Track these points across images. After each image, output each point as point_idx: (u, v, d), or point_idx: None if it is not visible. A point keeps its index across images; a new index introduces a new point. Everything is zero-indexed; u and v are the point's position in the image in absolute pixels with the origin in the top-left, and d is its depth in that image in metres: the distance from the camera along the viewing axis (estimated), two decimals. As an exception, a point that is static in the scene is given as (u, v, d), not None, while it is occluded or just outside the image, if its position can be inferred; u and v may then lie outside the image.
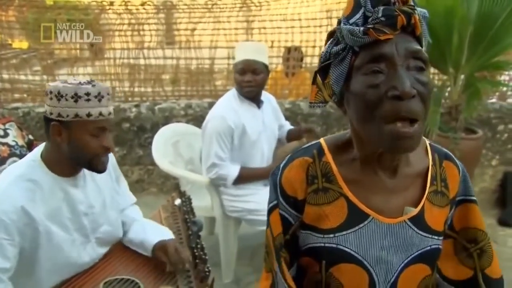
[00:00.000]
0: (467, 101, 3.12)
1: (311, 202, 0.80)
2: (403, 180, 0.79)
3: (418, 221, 0.79)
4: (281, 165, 0.83)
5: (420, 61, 0.69)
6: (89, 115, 1.22)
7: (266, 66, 2.25)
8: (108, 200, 1.42)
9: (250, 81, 2.20)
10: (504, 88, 3.77)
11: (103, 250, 1.43)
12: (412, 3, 0.69)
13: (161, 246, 1.44)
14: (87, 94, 1.21)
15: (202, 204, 2.37)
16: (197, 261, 1.47)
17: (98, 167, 1.30)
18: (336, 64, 0.73)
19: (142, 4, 3.79)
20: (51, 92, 1.22)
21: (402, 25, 0.67)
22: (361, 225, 0.77)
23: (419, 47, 0.69)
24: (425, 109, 0.68)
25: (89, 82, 1.25)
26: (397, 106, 0.66)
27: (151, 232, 1.49)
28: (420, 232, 0.79)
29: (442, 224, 0.82)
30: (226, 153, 2.22)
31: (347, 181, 0.79)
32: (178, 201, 1.83)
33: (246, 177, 2.25)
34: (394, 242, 0.78)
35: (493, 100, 3.80)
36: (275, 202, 0.82)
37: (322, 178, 0.79)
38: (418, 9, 0.70)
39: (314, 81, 0.79)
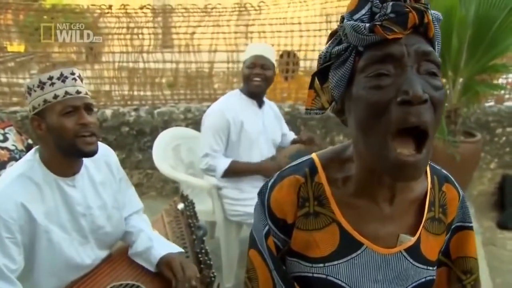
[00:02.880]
0: (466, 105, 3.13)
1: (301, 227, 0.72)
2: (400, 206, 0.72)
3: (414, 252, 0.73)
4: (269, 184, 0.75)
5: (433, 64, 0.61)
6: (55, 96, 1.24)
7: (273, 65, 2.30)
8: (109, 201, 1.41)
9: (260, 74, 2.23)
10: (502, 91, 3.79)
11: (103, 253, 1.42)
12: (425, 1, 0.61)
13: (166, 261, 1.38)
14: (50, 78, 1.24)
15: (203, 208, 2.36)
16: (202, 266, 1.46)
17: (84, 149, 1.26)
18: (337, 66, 0.65)
19: (141, 8, 3.79)
20: (25, 91, 1.27)
21: (414, 24, 0.59)
22: (354, 254, 0.70)
23: (431, 49, 0.61)
24: (437, 118, 0.60)
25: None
26: (406, 112, 0.57)
27: (157, 245, 1.43)
28: (416, 264, 0.73)
29: (437, 253, 0.77)
30: (220, 146, 2.24)
31: (341, 205, 0.71)
32: (181, 206, 1.82)
33: (236, 170, 2.25)
34: (388, 274, 0.71)
35: (491, 104, 3.82)
36: (267, 227, 0.74)
37: (314, 201, 0.72)
38: (432, 10, 0.62)
39: (311, 85, 0.70)
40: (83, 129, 1.25)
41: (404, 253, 0.72)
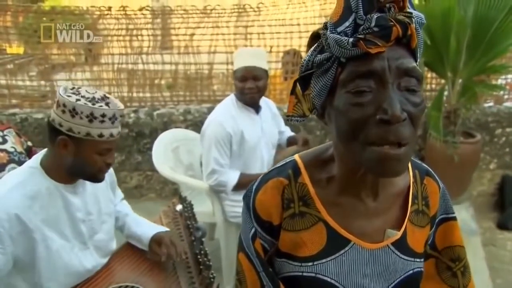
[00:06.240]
0: (465, 106, 3.14)
1: (287, 228, 0.72)
2: (384, 201, 0.73)
3: (401, 245, 0.74)
4: (254, 187, 0.75)
5: (414, 79, 0.61)
6: (100, 135, 1.22)
7: (266, 71, 2.25)
8: (103, 207, 1.42)
9: (252, 88, 2.19)
10: (501, 92, 3.79)
11: (103, 260, 1.42)
12: (409, 10, 0.60)
13: (156, 239, 1.50)
14: (103, 115, 1.21)
15: (203, 209, 2.36)
16: (201, 267, 1.46)
17: (98, 179, 1.33)
18: (318, 75, 0.65)
19: (140, 9, 3.79)
20: (64, 105, 1.18)
21: (397, 37, 0.59)
22: (342, 251, 0.71)
23: (413, 64, 0.61)
24: (415, 132, 0.61)
25: (103, 99, 1.24)
26: (384, 130, 0.59)
27: (146, 226, 1.56)
28: (403, 257, 0.74)
29: (423, 245, 0.78)
30: (225, 160, 2.22)
31: (326, 204, 0.72)
32: (179, 207, 1.82)
33: (245, 183, 2.24)
34: (377, 269, 0.72)
35: (491, 104, 3.82)
36: (254, 229, 0.74)
37: (298, 201, 0.72)
38: (415, 13, 0.61)
39: (293, 91, 0.70)
40: (107, 167, 1.31)
41: (391, 247, 0.73)
